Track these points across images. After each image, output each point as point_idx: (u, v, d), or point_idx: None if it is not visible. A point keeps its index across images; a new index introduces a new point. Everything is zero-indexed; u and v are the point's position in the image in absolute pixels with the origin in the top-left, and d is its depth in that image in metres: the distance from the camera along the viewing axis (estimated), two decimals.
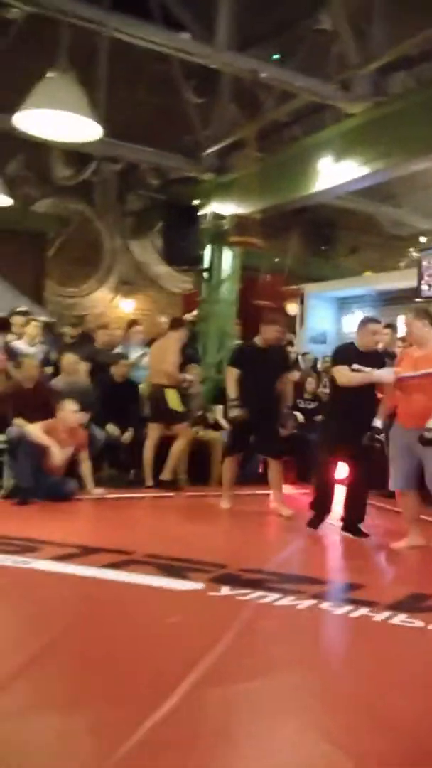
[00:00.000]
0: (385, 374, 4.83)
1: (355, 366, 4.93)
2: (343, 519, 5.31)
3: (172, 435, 6.82)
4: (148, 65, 6.49)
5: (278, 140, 7.84)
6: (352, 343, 5.22)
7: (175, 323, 7.27)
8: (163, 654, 2.99)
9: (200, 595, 3.75)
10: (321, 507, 5.30)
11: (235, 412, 5.84)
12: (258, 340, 5.94)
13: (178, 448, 6.74)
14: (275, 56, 7.50)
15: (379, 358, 5.16)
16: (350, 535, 5.21)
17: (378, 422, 5.00)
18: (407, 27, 5.78)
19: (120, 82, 7.87)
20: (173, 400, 6.73)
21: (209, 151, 8.20)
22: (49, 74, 5.35)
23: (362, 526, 5.27)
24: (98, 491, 6.13)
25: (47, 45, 5.59)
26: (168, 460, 6.72)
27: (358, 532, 5.22)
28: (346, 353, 5.12)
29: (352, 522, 5.25)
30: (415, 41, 5.64)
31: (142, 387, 7.31)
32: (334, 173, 6.38)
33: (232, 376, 5.87)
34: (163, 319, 9.02)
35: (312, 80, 6.21)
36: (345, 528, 5.27)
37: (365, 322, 5.22)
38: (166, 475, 6.71)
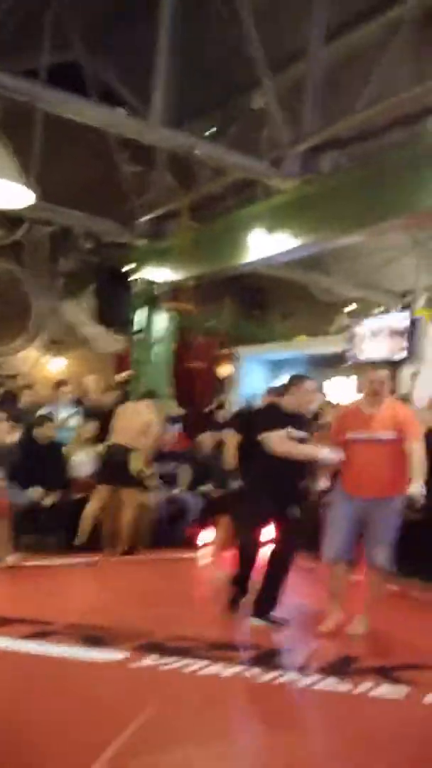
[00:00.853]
0: (331, 455, 4.38)
1: (291, 431, 4.41)
2: (254, 602, 4.55)
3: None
4: (84, 133, 6.64)
5: (212, 211, 8.08)
6: (274, 405, 4.64)
7: (151, 393, 7.51)
8: (84, 729, 2.86)
9: (123, 666, 3.63)
10: (240, 585, 4.62)
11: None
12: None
13: (129, 517, 6.63)
14: (209, 131, 7.80)
15: (305, 421, 4.65)
16: (259, 623, 4.46)
17: (323, 483, 4.58)
18: (336, 109, 6.15)
19: (55, 147, 7.99)
20: (137, 463, 6.70)
21: (144, 218, 8.37)
22: None
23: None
24: (13, 558, 5.86)
25: None
26: (122, 533, 6.60)
27: (268, 619, 4.47)
28: (275, 417, 4.50)
29: (262, 607, 4.52)
30: (343, 123, 5.98)
31: (66, 449, 7.18)
32: (265, 245, 6.60)
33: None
34: (90, 378, 8.99)
35: (244, 157, 6.47)
36: (254, 613, 4.51)
37: (300, 379, 4.62)
38: (123, 547, 6.57)
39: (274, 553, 4.60)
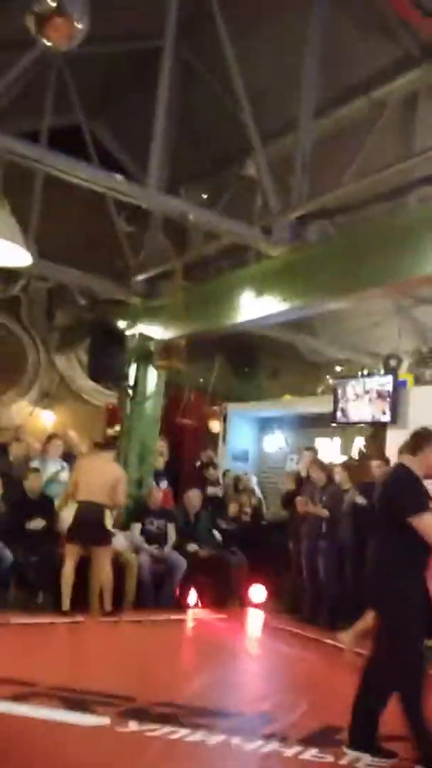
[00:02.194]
0: None
1: None
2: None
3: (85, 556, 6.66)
4: (81, 193, 6.86)
5: (204, 272, 8.29)
6: (410, 472, 3.60)
7: (108, 443, 7.59)
8: None
9: (106, 732, 3.61)
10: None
11: None
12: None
13: (108, 574, 6.58)
14: (203, 197, 8.08)
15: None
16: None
17: None
18: (324, 180, 6.40)
19: (54, 206, 8.24)
20: (110, 520, 6.74)
21: (138, 277, 8.56)
22: None
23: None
24: None
25: None
26: (104, 591, 6.53)
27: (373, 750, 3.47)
28: (422, 489, 3.51)
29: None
30: (330, 196, 6.22)
31: (58, 504, 7.18)
32: (254, 307, 6.76)
33: None
34: (72, 434, 9.06)
35: (236, 223, 6.68)
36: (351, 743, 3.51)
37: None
38: (107, 607, 6.50)
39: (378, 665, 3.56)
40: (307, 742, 3.65)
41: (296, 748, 3.56)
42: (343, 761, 3.42)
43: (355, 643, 4.58)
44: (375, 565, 3.66)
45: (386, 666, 3.50)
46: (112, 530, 6.98)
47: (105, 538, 6.71)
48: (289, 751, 3.52)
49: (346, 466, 7.65)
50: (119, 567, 6.86)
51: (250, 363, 11.18)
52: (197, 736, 3.62)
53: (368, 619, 4.53)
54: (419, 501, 3.44)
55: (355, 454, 8.98)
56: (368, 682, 3.53)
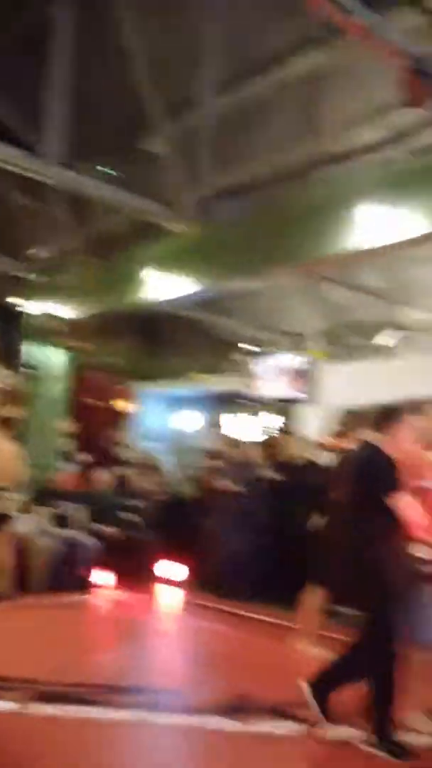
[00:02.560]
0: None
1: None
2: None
3: None
4: None
5: (110, 247, 8.10)
6: (382, 452, 3.49)
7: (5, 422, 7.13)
8: None
9: (13, 717, 3.52)
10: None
11: None
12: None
13: (4, 558, 6.39)
14: (107, 170, 7.85)
15: None
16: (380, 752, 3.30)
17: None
18: (231, 158, 6.36)
19: None
20: (9, 503, 6.50)
21: (36, 251, 8.26)
22: None
23: None
24: None
25: None
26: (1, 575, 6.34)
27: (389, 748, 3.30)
28: (392, 470, 3.42)
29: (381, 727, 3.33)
30: (236, 173, 6.20)
31: None
32: (161, 285, 6.68)
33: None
34: None
35: (139, 199, 6.54)
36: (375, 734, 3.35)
37: (403, 411, 3.57)
38: (6, 590, 6.30)
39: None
40: (220, 712, 3.69)
41: (208, 719, 3.61)
42: (253, 728, 3.50)
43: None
44: (350, 549, 3.52)
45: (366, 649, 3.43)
46: (13, 514, 6.78)
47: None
48: (201, 722, 3.57)
49: (264, 442, 7.74)
50: (25, 551, 6.69)
51: (161, 341, 11.09)
52: (108, 713, 3.61)
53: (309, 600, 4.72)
54: (392, 481, 3.37)
55: (273, 431, 9.03)
56: (349, 669, 3.53)
